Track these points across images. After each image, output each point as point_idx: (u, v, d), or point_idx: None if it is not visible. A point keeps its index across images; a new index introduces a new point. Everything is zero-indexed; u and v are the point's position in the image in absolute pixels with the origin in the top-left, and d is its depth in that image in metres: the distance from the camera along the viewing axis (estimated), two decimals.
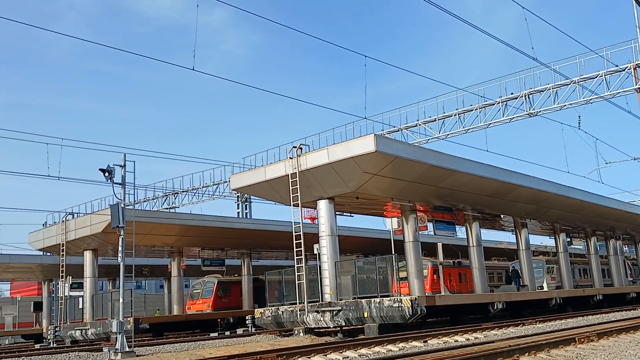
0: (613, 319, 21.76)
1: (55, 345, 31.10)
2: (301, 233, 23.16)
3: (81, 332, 31.71)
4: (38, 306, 46.97)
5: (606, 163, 33.13)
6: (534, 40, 32.39)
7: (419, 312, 20.79)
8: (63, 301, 33.77)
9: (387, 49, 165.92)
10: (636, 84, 25.57)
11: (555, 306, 31.04)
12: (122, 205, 19.62)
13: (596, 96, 27.11)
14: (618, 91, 26.58)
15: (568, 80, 27.53)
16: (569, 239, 38.88)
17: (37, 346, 30.96)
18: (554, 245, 38.99)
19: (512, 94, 29.31)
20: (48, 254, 39.09)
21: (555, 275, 38.34)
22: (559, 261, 37.18)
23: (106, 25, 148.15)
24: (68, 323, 33.36)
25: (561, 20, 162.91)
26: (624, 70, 26.31)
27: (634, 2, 14.13)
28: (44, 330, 36.85)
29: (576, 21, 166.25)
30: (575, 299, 34.08)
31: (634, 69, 25.81)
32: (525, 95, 28.93)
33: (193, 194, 42.32)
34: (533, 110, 28.83)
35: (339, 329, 22.37)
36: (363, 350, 15.00)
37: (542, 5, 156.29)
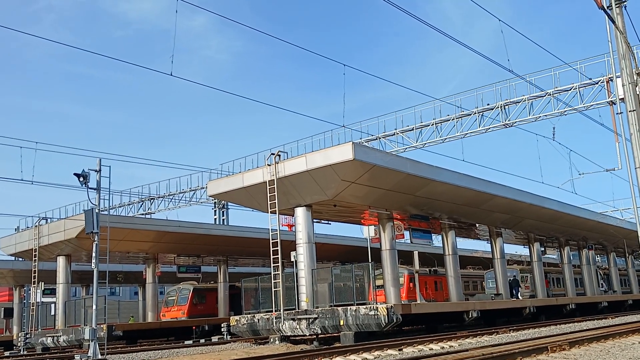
0: (585, 328, 22.04)
1: (25, 352, 30.55)
2: (278, 240, 23.12)
3: (53, 339, 31.19)
4: (8, 312, 46.14)
5: (579, 174, 33.72)
6: (510, 53, 32.88)
7: (395, 320, 20.88)
8: (35, 307, 33.21)
9: (366, 58, 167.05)
10: (609, 97, 26.10)
11: (528, 315, 31.40)
12: (97, 210, 19.43)
13: (570, 108, 27.64)
14: (591, 104, 27.15)
15: (543, 92, 28.02)
16: (542, 249, 39.44)
17: (6, 353, 30.36)
18: (528, 254, 39.50)
19: (488, 104, 29.76)
20: (20, 259, 38.43)
21: (529, 284, 38.83)
22: (532, 270, 37.67)
23: (85, 28, 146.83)
24: (39, 330, 32.78)
25: (537, 33, 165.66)
26: (597, 83, 26.88)
27: (606, 17, 14.46)
28: (15, 337, 36.15)
29: (552, 34, 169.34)
30: (548, 307, 34.51)
31: (607, 82, 26.37)
32: (501, 106, 29.38)
33: (169, 199, 42.08)
34: (508, 121, 29.29)
35: (315, 337, 22.34)
36: (338, 359, 15.03)
37: (519, 18, 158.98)
